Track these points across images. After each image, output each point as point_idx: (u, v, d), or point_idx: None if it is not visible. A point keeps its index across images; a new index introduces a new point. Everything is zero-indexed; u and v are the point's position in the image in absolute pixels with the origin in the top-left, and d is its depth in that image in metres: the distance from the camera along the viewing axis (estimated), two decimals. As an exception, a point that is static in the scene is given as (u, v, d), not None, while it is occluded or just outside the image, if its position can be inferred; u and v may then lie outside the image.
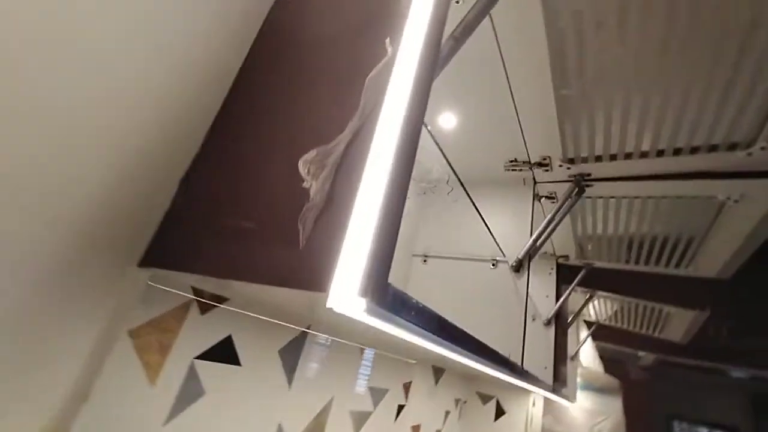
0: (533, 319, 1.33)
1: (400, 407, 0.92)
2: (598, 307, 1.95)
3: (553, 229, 0.87)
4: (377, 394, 0.82)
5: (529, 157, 0.83)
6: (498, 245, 0.85)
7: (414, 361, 0.92)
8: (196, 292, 0.46)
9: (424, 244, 1.00)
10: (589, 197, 0.91)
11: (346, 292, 0.24)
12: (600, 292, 1.56)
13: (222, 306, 0.49)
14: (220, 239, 0.35)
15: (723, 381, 3.12)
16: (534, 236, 0.83)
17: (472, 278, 0.88)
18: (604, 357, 2.47)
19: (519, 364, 0.75)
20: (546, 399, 1.96)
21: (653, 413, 2.87)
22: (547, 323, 1.31)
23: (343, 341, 0.72)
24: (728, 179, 0.71)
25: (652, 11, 0.40)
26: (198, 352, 0.46)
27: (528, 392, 1.24)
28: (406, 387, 0.94)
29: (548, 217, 0.83)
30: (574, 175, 0.84)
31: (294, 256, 0.30)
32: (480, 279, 0.87)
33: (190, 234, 0.37)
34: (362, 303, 0.23)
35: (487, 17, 0.46)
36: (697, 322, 1.46)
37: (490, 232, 0.82)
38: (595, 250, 1.25)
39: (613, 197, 0.89)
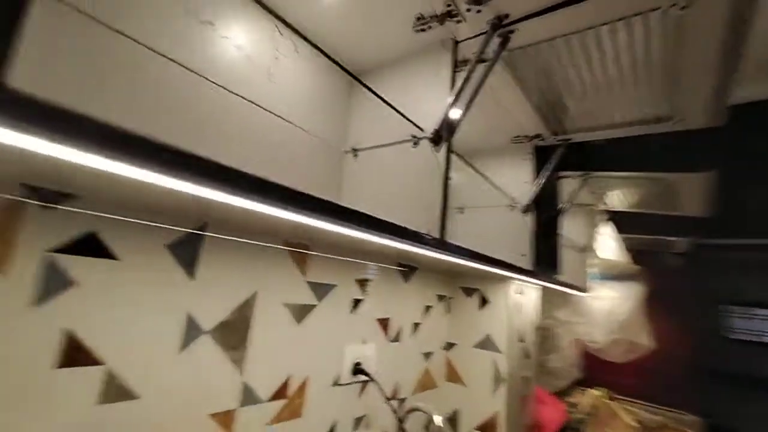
0: (511, 208, 1.27)
1: (357, 301, 0.94)
2: (619, 196, 1.82)
3: (475, 95, 0.77)
4: (320, 289, 0.85)
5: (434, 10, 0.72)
6: (409, 120, 0.77)
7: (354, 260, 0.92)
8: (31, 189, 0.47)
9: (354, 139, 0.95)
10: (520, 47, 0.79)
11: None
12: (594, 173, 1.43)
13: (68, 207, 0.50)
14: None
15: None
16: (450, 102, 0.74)
17: (398, 161, 0.83)
18: (634, 248, 2.34)
19: (439, 237, 0.72)
20: (562, 294, 1.95)
21: (696, 299, 2.73)
22: (525, 211, 1.24)
23: (257, 243, 0.73)
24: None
25: None
26: (52, 246, 0.48)
27: (507, 281, 1.22)
28: (361, 283, 0.96)
29: (462, 78, 0.73)
30: (491, 21, 0.72)
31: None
32: (403, 160, 0.81)
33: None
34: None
35: None
36: (708, 187, 1.30)
37: (395, 109, 0.75)
38: (566, 119, 1.12)
39: (543, 41, 0.76)
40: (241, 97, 0.72)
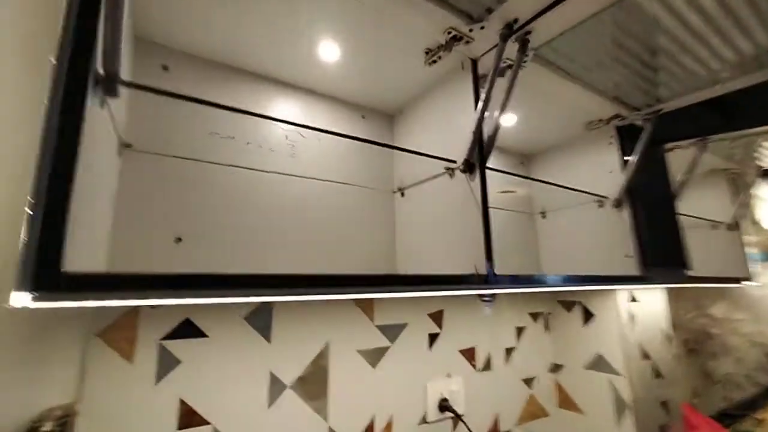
0: (600, 206, 1.10)
1: (434, 336, 0.94)
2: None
3: (504, 108, 0.71)
4: (391, 331, 0.87)
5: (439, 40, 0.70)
6: (430, 156, 0.75)
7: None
8: (141, 295, 0.62)
9: (400, 177, 0.96)
10: (547, 43, 0.70)
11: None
12: (714, 136, 1.13)
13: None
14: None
15: None
16: (475, 126, 0.70)
17: (440, 195, 0.81)
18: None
19: (486, 269, 0.67)
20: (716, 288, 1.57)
21: None
22: (618, 204, 1.05)
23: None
24: None
25: None
26: (162, 335, 0.63)
27: (611, 290, 1.04)
28: (435, 316, 0.95)
29: (483, 96, 0.69)
30: (499, 31, 0.66)
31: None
32: (445, 193, 0.79)
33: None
34: (26, 296, 0.31)
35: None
36: None
37: (415, 152, 0.73)
38: (648, 89, 0.92)
39: (569, 30, 0.66)
40: (300, 176, 0.81)
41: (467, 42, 0.69)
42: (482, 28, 0.65)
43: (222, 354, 0.67)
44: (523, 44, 0.68)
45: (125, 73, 0.63)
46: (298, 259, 0.81)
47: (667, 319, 1.17)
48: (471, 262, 0.70)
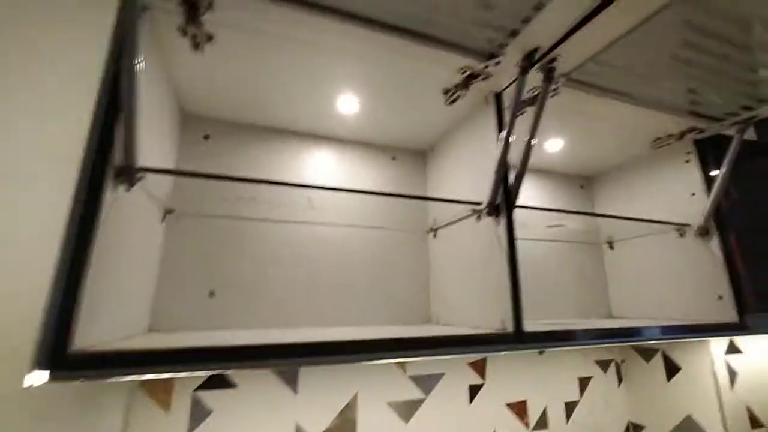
0: (681, 235, 0.92)
1: (475, 387, 0.86)
2: None
3: (531, 138, 0.64)
4: (425, 381, 0.82)
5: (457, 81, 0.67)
6: (451, 201, 0.69)
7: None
8: (177, 347, 0.67)
9: (432, 217, 0.92)
10: (579, 67, 0.62)
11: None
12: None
13: (200, 351, 0.68)
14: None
15: None
16: (497, 165, 0.64)
17: (467, 238, 0.75)
18: None
19: (513, 326, 0.59)
20: None
21: None
22: (703, 233, 0.87)
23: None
24: None
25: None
26: (195, 386, 0.67)
27: (703, 340, 0.85)
28: (477, 366, 0.87)
29: (505, 130, 0.63)
30: (519, 63, 0.60)
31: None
32: (472, 236, 0.73)
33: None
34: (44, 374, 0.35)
35: None
36: None
37: (433, 198, 0.68)
38: (726, 96, 0.76)
39: (601, 52, 0.57)
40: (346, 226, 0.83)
41: (485, 78, 0.65)
42: (497, 64, 0.60)
43: (250, 405, 0.69)
44: (549, 73, 0.61)
45: (173, 145, 0.71)
46: (331, 306, 0.81)
47: (790, 376, 0.92)
48: (504, 312, 0.63)
